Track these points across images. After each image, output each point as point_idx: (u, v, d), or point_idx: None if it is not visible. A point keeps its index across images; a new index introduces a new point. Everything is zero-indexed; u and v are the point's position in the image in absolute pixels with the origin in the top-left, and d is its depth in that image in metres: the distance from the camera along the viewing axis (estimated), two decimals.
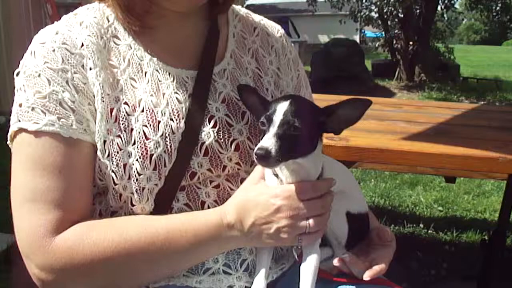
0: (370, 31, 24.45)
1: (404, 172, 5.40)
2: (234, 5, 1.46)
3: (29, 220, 1.12)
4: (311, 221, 1.13)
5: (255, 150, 1.04)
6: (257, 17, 1.52)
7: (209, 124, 1.24)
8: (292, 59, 1.51)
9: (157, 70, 1.25)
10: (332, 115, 1.15)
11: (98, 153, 1.17)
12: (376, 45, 20.49)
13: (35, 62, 1.17)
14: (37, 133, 1.13)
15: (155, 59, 1.25)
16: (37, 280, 1.15)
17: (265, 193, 1.15)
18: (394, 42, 17.56)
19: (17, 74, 1.20)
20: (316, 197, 1.15)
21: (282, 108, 1.10)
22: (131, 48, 1.25)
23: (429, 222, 4.55)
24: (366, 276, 1.23)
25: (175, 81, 1.25)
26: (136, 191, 1.17)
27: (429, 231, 4.39)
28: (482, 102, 13.49)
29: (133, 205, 1.19)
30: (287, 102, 1.11)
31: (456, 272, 3.62)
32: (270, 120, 1.09)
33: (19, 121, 1.15)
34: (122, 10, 1.23)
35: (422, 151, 2.22)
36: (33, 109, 1.14)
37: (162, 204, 1.21)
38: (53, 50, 1.18)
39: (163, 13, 1.27)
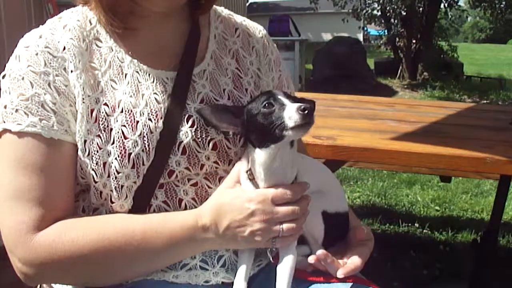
0: (374, 29, 24.43)
1: (402, 171, 5.38)
2: (216, 6, 1.48)
3: (12, 217, 1.17)
4: (284, 225, 1.16)
5: (298, 108, 1.08)
6: (239, 18, 1.53)
7: (187, 123, 1.26)
8: (273, 59, 1.52)
9: (137, 72, 1.28)
10: None
11: (79, 152, 1.21)
12: (379, 43, 20.42)
13: (19, 65, 1.22)
14: (20, 134, 1.18)
15: (135, 61, 1.28)
16: (20, 273, 1.20)
17: (240, 196, 1.18)
18: (397, 40, 17.52)
19: (3, 77, 1.25)
20: (290, 202, 1.18)
21: (277, 93, 1.18)
22: (112, 50, 1.28)
23: (424, 221, 4.54)
24: (340, 273, 1.24)
25: (154, 82, 1.28)
26: (115, 189, 1.21)
27: (424, 231, 4.38)
28: (485, 101, 13.46)
29: (112, 202, 1.23)
30: (275, 89, 1.22)
31: (449, 272, 3.60)
32: (276, 99, 1.15)
33: (4, 122, 1.19)
34: (105, 11, 1.25)
35: (409, 151, 2.20)
36: (16, 110, 1.18)
37: (141, 202, 1.24)
38: (36, 54, 1.22)
39: (145, 13, 1.29)
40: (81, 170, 1.23)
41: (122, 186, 1.21)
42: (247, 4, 33.89)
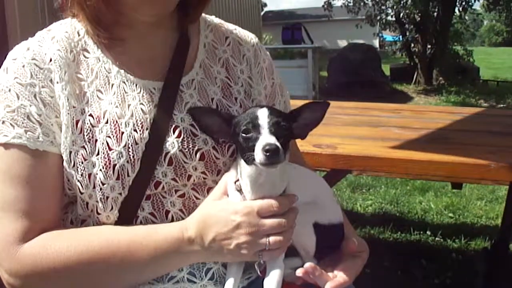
0: (389, 35, 24.33)
1: (414, 178, 5.31)
2: (206, 15, 1.49)
3: None
4: (271, 238, 1.14)
5: (263, 149, 1.07)
6: (230, 26, 1.53)
7: (174, 134, 1.26)
8: (266, 67, 1.50)
9: (124, 82, 1.28)
10: (297, 120, 1.20)
11: (64, 163, 1.21)
12: (394, 49, 20.29)
13: (6, 77, 1.24)
14: (6, 145, 1.19)
15: (122, 71, 1.29)
16: (7, 284, 1.22)
17: (226, 209, 1.17)
18: (412, 45, 17.40)
19: None
20: (277, 214, 1.16)
21: (263, 113, 1.14)
22: (99, 60, 1.29)
23: (437, 229, 4.47)
24: (328, 287, 1.21)
25: (141, 92, 1.28)
26: (101, 200, 1.20)
27: (437, 239, 4.31)
28: (501, 105, 13.30)
29: (99, 214, 1.23)
30: (264, 108, 1.16)
31: (461, 281, 3.53)
32: (256, 125, 1.12)
33: None
34: (91, 23, 1.27)
35: (410, 158, 2.17)
36: (3, 122, 1.20)
37: (127, 213, 1.24)
38: (23, 66, 1.23)
39: (132, 24, 1.30)
40: (68, 182, 1.23)
41: (107, 198, 1.20)
42: (262, 13, 34.19)
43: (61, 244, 1.17)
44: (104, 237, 1.20)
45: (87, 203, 1.23)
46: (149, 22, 1.30)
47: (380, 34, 23.31)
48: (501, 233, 3.14)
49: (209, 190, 1.28)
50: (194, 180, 1.27)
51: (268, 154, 1.06)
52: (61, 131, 1.21)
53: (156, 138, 1.24)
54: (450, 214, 5.03)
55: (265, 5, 42.00)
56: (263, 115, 1.13)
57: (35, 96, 1.21)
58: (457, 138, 2.60)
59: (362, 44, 17.11)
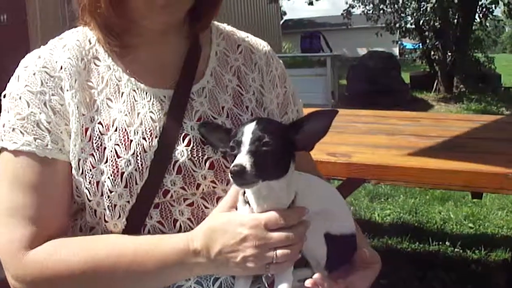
0: (409, 43, 24.21)
1: (432, 188, 5.24)
2: (219, 23, 1.49)
3: (5, 234, 1.21)
4: (278, 251, 1.12)
5: (230, 169, 1.06)
6: (242, 34, 1.52)
7: (183, 142, 1.26)
8: (278, 75, 1.50)
9: (134, 90, 1.29)
10: (300, 132, 1.17)
11: (73, 171, 1.23)
12: (414, 57, 20.16)
13: (18, 85, 1.26)
14: (16, 153, 1.22)
15: (132, 79, 1.29)
16: None
17: (233, 221, 1.16)
18: (432, 53, 17.26)
19: (4, 96, 1.29)
20: (286, 228, 1.14)
21: (249, 128, 1.12)
22: (110, 69, 1.30)
23: (456, 239, 4.38)
24: None
25: (151, 100, 1.29)
26: (108, 208, 1.21)
27: (456, 249, 4.22)
28: None
29: (106, 222, 1.24)
30: (253, 122, 1.14)
31: None
32: (239, 142, 1.10)
33: (2, 140, 1.24)
34: (102, 31, 1.28)
35: (425, 167, 2.13)
36: (13, 129, 1.23)
37: (135, 221, 1.24)
38: (34, 74, 1.26)
39: (142, 32, 1.31)
40: (77, 189, 1.25)
41: (115, 205, 1.21)
42: (282, 22, 34.32)
43: (67, 252, 1.19)
44: (110, 246, 1.20)
45: (95, 211, 1.24)
46: (159, 30, 1.31)
47: (400, 42, 23.17)
48: None
49: (218, 199, 1.28)
50: (203, 189, 1.27)
51: (232, 175, 1.05)
52: (70, 138, 1.23)
53: (165, 146, 1.24)
54: (470, 225, 4.94)
55: (285, 13, 42.11)
56: (248, 131, 1.11)
57: (45, 104, 1.23)
58: (475, 147, 2.56)
59: (382, 52, 17.00)
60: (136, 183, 1.21)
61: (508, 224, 4.94)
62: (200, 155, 1.26)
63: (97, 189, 1.21)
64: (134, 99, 1.28)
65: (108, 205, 1.21)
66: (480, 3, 15.56)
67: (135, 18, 1.27)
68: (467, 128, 3.04)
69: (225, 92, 1.37)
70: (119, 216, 1.22)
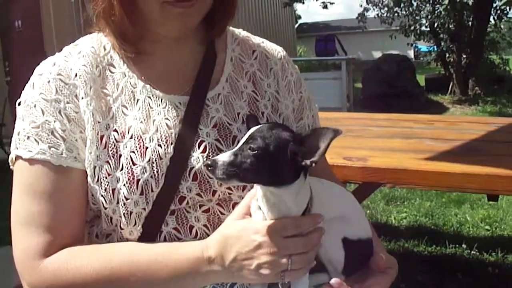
0: (424, 45, 24.08)
1: (448, 190, 5.23)
2: (234, 29, 1.47)
3: (22, 242, 1.21)
4: (293, 258, 1.11)
5: (205, 162, 1.07)
6: (257, 40, 1.51)
7: (199, 149, 1.24)
8: (293, 81, 1.48)
9: (149, 97, 1.27)
10: (303, 145, 1.10)
11: (89, 178, 1.22)
12: (429, 59, 20.07)
13: (32, 93, 1.25)
14: (31, 161, 1.21)
15: (148, 86, 1.28)
16: None
17: (247, 228, 1.14)
18: (447, 55, 17.18)
19: (19, 104, 1.28)
20: (301, 234, 1.13)
21: (252, 130, 1.11)
22: (125, 75, 1.29)
23: (473, 242, 4.38)
24: None
25: (167, 107, 1.27)
26: (124, 215, 1.20)
27: (472, 252, 4.22)
28: None
29: (122, 229, 1.22)
30: (259, 126, 1.12)
31: None
32: (238, 141, 1.12)
33: (17, 148, 1.23)
34: (117, 38, 1.27)
35: (442, 171, 2.14)
36: (28, 137, 1.21)
37: (151, 228, 1.23)
38: (48, 82, 1.24)
39: (157, 39, 1.29)
40: (92, 197, 1.24)
41: (131, 213, 1.20)
42: (297, 25, 34.20)
43: (82, 260, 1.18)
44: (124, 255, 1.20)
45: (111, 218, 1.23)
46: (174, 37, 1.30)
47: (415, 45, 23.06)
48: None
49: (234, 205, 1.26)
50: (219, 196, 1.26)
51: (205, 166, 1.08)
52: (85, 146, 1.22)
53: (181, 153, 1.23)
54: (487, 227, 4.93)
55: (299, 17, 42.03)
56: (249, 132, 1.11)
57: (59, 112, 1.22)
58: (492, 149, 2.56)
59: (396, 54, 16.92)
60: (152, 190, 1.20)
61: None
62: None
63: (113, 196, 1.20)
64: (150, 106, 1.27)
65: (124, 213, 1.20)
66: (494, 5, 15.46)
67: (149, 26, 1.26)
68: (483, 131, 3.04)
69: (241, 98, 1.35)
70: (135, 223, 1.21)
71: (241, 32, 1.49)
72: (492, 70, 17.25)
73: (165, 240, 1.24)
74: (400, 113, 3.98)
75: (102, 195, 1.21)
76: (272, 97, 1.40)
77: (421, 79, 16.85)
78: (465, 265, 3.95)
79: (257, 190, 1.16)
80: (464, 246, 4.31)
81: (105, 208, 1.22)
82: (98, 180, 1.21)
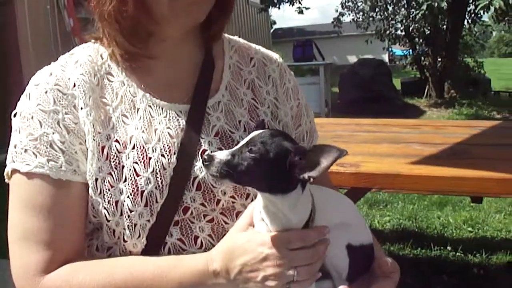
0: (399, 49, 24.34)
1: (436, 193, 5.28)
2: (230, 36, 1.47)
3: (20, 259, 1.18)
4: (299, 270, 1.10)
5: (205, 156, 1.05)
6: (254, 47, 1.50)
7: (202, 158, 1.18)
8: (291, 87, 1.48)
9: (150, 106, 1.26)
10: (303, 158, 1.07)
11: (90, 191, 1.19)
12: (404, 63, 20.33)
13: (29, 104, 1.22)
14: (28, 175, 1.18)
15: (148, 95, 1.26)
16: None
17: (253, 240, 1.13)
18: (422, 59, 17.41)
19: (14, 116, 1.25)
20: (306, 246, 1.12)
21: (252, 134, 1.10)
22: (124, 84, 1.27)
23: (457, 244, 4.43)
24: None
25: (168, 116, 1.26)
26: (128, 227, 1.19)
27: (457, 254, 4.27)
28: None
29: (125, 241, 1.21)
30: (260, 131, 1.10)
31: None
32: (237, 143, 1.10)
33: (14, 162, 1.20)
34: (124, 36, 1.22)
35: (435, 175, 2.16)
36: (25, 150, 1.18)
37: (155, 240, 1.21)
38: (46, 92, 1.22)
39: (164, 36, 1.27)
40: (93, 209, 1.21)
41: (135, 225, 1.18)
42: (272, 31, 34.28)
43: (84, 277, 1.16)
44: (128, 270, 1.17)
45: (114, 231, 1.21)
46: (178, 36, 1.28)
47: (390, 49, 23.31)
48: None
49: (238, 214, 1.25)
50: (223, 205, 1.25)
51: (201, 160, 1.08)
52: (85, 158, 1.20)
53: (184, 162, 1.21)
54: (469, 229, 4.99)
55: (274, 23, 42.15)
56: (250, 136, 1.09)
57: (58, 123, 1.19)
58: (479, 153, 2.60)
59: (372, 59, 17.11)
60: (157, 201, 1.18)
61: (506, 227, 4.99)
62: None
63: (116, 208, 1.18)
64: (151, 115, 1.25)
65: (128, 225, 1.18)
66: (468, 9, 15.70)
67: (156, 24, 1.23)
68: (468, 134, 3.09)
69: (241, 106, 1.34)
70: (139, 236, 1.19)
71: (238, 40, 1.49)
72: (467, 73, 17.58)
73: (169, 252, 1.23)
74: (378, 118, 4.03)
75: (105, 208, 1.19)
76: (272, 105, 1.40)
77: (397, 83, 17.05)
78: (450, 267, 4.00)
79: (259, 200, 1.14)
80: (449, 248, 4.36)
81: (108, 221, 1.20)
82: (100, 193, 1.19)
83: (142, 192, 1.17)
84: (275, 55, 1.52)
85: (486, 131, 3.24)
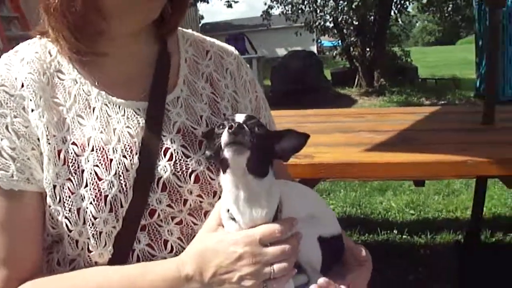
0: (327, 41, 24.72)
1: (392, 179, 5.43)
2: (184, 30, 1.42)
3: None
4: (275, 266, 1.06)
5: (228, 127, 1.00)
6: (209, 40, 1.46)
7: (165, 157, 1.17)
8: (248, 80, 1.45)
9: (106, 104, 1.18)
10: (281, 141, 1.12)
11: (48, 199, 1.10)
12: (334, 54, 20.67)
13: None
14: None
15: (103, 92, 1.18)
16: None
17: (225, 240, 1.08)
18: (351, 49, 17.78)
19: None
20: (279, 241, 1.09)
21: (241, 115, 1.09)
22: (76, 82, 1.18)
23: (402, 227, 4.58)
24: None
25: (126, 114, 1.18)
26: (93, 236, 1.10)
27: (404, 236, 4.41)
28: (443, 102, 13.72)
29: (90, 252, 1.12)
30: (245, 114, 1.12)
31: (434, 274, 3.63)
32: (232, 119, 1.07)
33: None
34: (73, 33, 1.14)
35: (390, 162, 2.21)
36: None
37: (122, 248, 1.14)
38: None
39: (115, 36, 1.20)
40: (52, 220, 1.13)
41: (100, 233, 1.10)
42: (200, 25, 34.05)
43: None
44: (93, 283, 1.11)
45: (77, 241, 1.12)
46: (131, 33, 1.22)
47: (320, 41, 23.67)
48: (472, 225, 3.25)
49: (206, 214, 1.20)
50: (190, 205, 1.19)
51: (230, 130, 1.00)
52: (40, 164, 1.11)
53: (147, 162, 1.15)
54: (412, 211, 5.17)
55: (202, 17, 41.97)
56: (240, 116, 1.09)
57: (7, 127, 1.09)
58: (426, 138, 2.69)
59: (303, 51, 17.33)
60: (122, 206, 1.10)
61: (446, 207, 5.21)
62: (184, 168, 1.17)
63: (79, 217, 1.09)
64: (107, 114, 1.17)
65: (92, 233, 1.10)
66: (394, 0, 16.20)
67: (109, 20, 1.15)
68: (411, 120, 3.18)
69: (201, 101, 1.29)
70: (105, 244, 1.11)
71: (192, 33, 1.44)
72: (395, 61, 18.09)
73: (138, 259, 1.16)
74: (312, 109, 4.08)
75: (66, 217, 1.10)
76: (231, 98, 1.37)
77: (327, 74, 17.32)
78: (398, 249, 4.13)
79: (228, 197, 1.11)
80: (395, 231, 4.49)
81: (70, 231, 1.11)
82: (60, 201, 1.09)
83: (106, 196, 1.09)
84: (230, 48, 1.48)
85: (427, 117, 3.35)
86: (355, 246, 1.34)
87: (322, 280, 1.17)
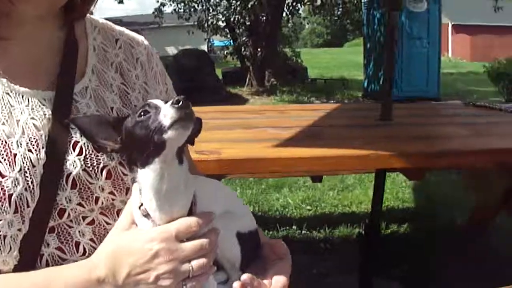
0: (217, 40, 24.84)
1: (269, 177, 5.48)
2: (92, 16, 1.32)
3: None
4: (194, 263, 1.01)
5: (172, 104, 0.92)
6: (118, 28, 1.37)
7: (74, 151, 1.08)
8: (159, 71, 1.38)
9: (7, 94, 1.07)
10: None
11: None
12: (225, 53, 20.81)
13: None
14: None
15: (4, 80, 1.08)
16: None
17: (139, 237, 1.01)
18: (243, 49, 17.97)
19: None
20: (197, 236, 1.03)
21: (155, 100, 1.01)
22: None
23: (301, 222, 4.65)
24: None
25: (30, 105, 1.08)
26: None
27: (303, 232, 4.50)
28: (332, 101, 14.21)
29: None
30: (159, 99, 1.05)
31: (336, 267, 3.72)
32: (150, 105, 0.98)
33: None
34: None
35: (300, 156, 2.23)
36: None
37: (29, 253, 1.04)
38: None
39: (21, 18, 1.10)
40: None
41: (4, 237, 1.00)
42: None
43: None
44: None
45: None
46: (38, 18, 1.11)
47: (212, 40, 23.69)
48: (372, 217, 3.37)
49: (118, 212, 1.13)
50: (102, 203, 1.12)
51: (181, 103, 0.93)
52: None
53: (55, 157, 1.06)
54: (308, 207, 5.28)
55: (91, 13, 40.88)
56: (154, 100, 1.02)
57: None
58: (330, 134, 2.75)
59: (195, 49, 17.34)
60: (28, 206, 1.01)
61: (341, 202, 5.39)
62: (95, 164, 1.10)
63: None
64: (10, 103, 1.06)
65: None
66: (287, 2, 16.55)
67: (13, 2, 1.04)
68: (314, 117, 3.24)
69: (111, 91, 1.22)
70: (10, 249, 1.01)
71: (100, 20, 1.34)
72: (285, 62, 18.52)
73: (47, 264, 1.07)
74: (205, 107, 4.06)
75: None
76: (142, 89, 1.29)
77: (218, 73, 17.42)
78: (298, 245, 4.18)
79: (144, 194, 1.03)
80: (294, 227, 4.56)
81: None
82: None
83: (10, 196, 1.00)
84: (140, 37, 1.40)
85: (328, 114, 3.43)
86: (274, 240, 1.30)
87: (245, 276, 1.13)
